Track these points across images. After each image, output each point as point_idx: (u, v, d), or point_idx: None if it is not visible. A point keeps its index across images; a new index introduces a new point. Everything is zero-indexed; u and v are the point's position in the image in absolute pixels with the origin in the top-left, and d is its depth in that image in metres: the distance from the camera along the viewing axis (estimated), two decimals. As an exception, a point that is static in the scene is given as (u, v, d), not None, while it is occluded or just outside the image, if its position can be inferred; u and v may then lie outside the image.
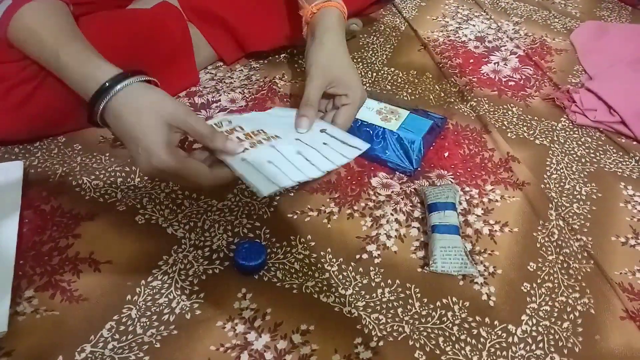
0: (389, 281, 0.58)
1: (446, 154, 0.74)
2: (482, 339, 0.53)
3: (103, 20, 0.70)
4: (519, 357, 0.52)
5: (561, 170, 0.73)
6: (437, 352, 0.52)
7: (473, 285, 0.58)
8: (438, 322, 0.54)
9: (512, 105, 0.84)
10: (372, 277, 0.58)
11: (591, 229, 0.65)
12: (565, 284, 0.59)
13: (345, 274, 0.58)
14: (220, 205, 0.64)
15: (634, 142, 0.79)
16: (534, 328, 0.54)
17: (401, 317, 0.54)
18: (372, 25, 1.02)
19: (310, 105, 0.61)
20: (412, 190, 0.68)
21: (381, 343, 0.52)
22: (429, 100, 0.84)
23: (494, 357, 0.52)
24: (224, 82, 0.84)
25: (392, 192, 0.68)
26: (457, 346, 0.52)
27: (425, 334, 0.53)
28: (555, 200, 0.68)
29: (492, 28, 1.04)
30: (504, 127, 0.80)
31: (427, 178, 0.70)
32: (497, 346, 0.53)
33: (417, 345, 0.52)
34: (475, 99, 0.84)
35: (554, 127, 0.81)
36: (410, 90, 0.86)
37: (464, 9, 1.10)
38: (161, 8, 0.79)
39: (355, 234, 0.62)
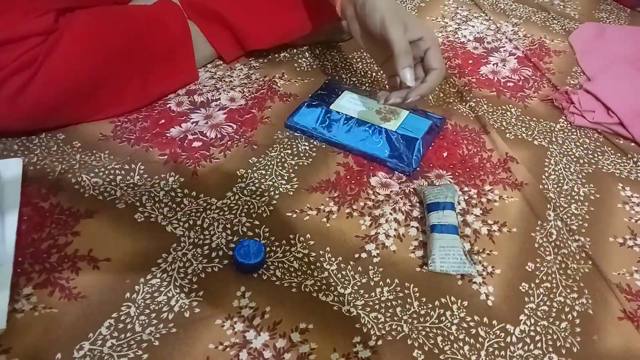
0: (388, 280, 0.58)
1: (445, 154, 0.74)
2: (480, 339, 0.53)
3: (103, 15, 0.70)
4: (517, 357, 0.52)
5: (559, 171, 0.73)
6: (436, 351, 0.52)
7: (472, 285, 0.58)
8: (437, 321, 0.54)
9: (510, 106, 0.85)
10: (371, 276, 0.58)
11: (589, 229, 0.65)
12: (564, 284, 0.59)
13: (344, 273, 0.58)
14: (219, 203, 0.64)
15: (632, 144, 0.80)
16: (532, 328, 0.55)
17: (400, 316, 0.55)
18: (371, 25, 1.02)
19: (408, 52, 0.62)
20: (411, 190, 0.68)
21: (380, 342, 0.52)
22: (428, 101, 0.84)
23: (492, 357, 0.52)
24: (224, 80, 0.84)
25: (391, 191, 0.68)
26: (455, 345, 0.52)
27: (423, 333, 0.53)
28: (554, 201, 0.68)
29: (491, 29, 1.04)
30: (503, 128, 0.80)
31: (426, 178, 0.70)
32: (496, 346, 0.53)
33: (416, 344, 0.52)
34: (474, 100, 0.84)
35: (553, 128, 0.81)
36: (409, 90, 0.86)
37: (463, 9, 1.11)
38: (161, 5, 0.79)
39: (354, 233, 0.63)
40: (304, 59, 0.91)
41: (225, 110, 0.78)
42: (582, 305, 0.57)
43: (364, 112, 0.75)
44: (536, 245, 0.63)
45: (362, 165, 0.71)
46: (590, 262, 0.61)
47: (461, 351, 0.52)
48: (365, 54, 0.93)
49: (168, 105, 0.78)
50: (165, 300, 0.54)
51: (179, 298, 0.55)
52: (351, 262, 0.59)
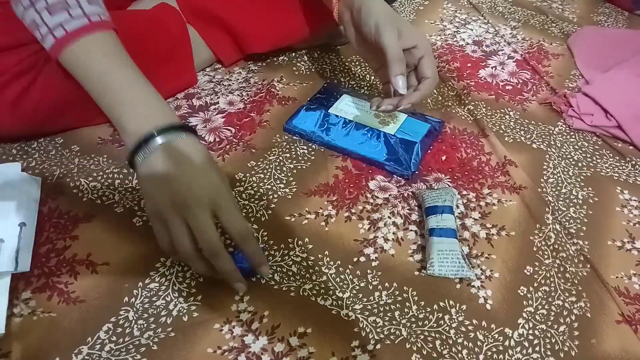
0: (386, 284, 0.58)
1: (444, 158, 0.74)
2: (479, 342, 0.53)
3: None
4: (516, 361, 0.52)
5: (558, 175, 0.73)
6: (434, 355, 0.52)
7: (470, 288, 0.58)
8: (435, 325, 0.54)
9: (509, 109, 0.85)
10: (370, 280, 0.58)
11: (587, 233, 0.65)
12: (562, 287, 0.59)
13: (342, 276, 0.58)
14: (218, 207, 0.64)
15: (631, 147, 0.80)
16: (530, 331, 0.55)
17: (398, 320, 0.55)
18: (370, 29, 1.02)
19: (401, 60, 0.62)
20: (410, 193, 0.68)
21: (378, 346, 0.52)
22: (427, 104, 0.84)
23: (491, 361, 0.52)
24: (222, 84, 0.84)
25: (390, 195, 0.68)
26: (454, 349, 0.52)
27: (422, 337, 0.53)
28: (552, 204, 0.69)
29: (490, 32, 1.05)
30: (501, 131, 0.80)
31: (425, 181, 0.70)
32: (494, 349, 0.53)
33: (414, 348, 0.52)
34: (473, 103, 0.85)
35: (551, 132, 0.81)
36: (408, 94, 0.86)
37: (461, 13, 1.11)
38: (160, 9, 0.79)
39: (352, 237, 0.63)
40: (302, 63, 0.91)
41: (223, 114, 0.78)
42: (580, 309, 0.57)
43: (363, 115, 0.75)
44: (534, 248, 0.63)
45: (360, 168, 0.71)
46: (588, 266, 0.61)
47: (460, 355, 0.52)
48: (363, 58, 0.93)
49: (167, 109, 0.78)
50: (164, 305, 0.54)
51: (177, 302, 0.55)
52: (350, 266, 0.59)
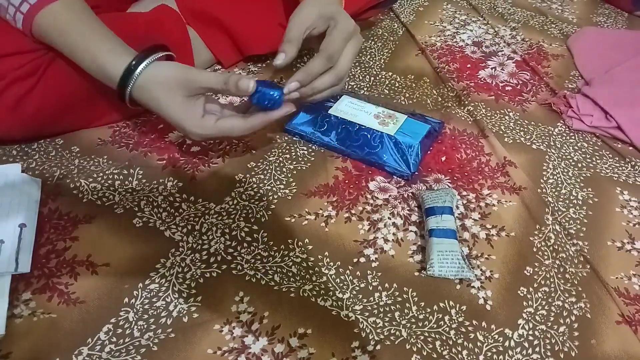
0: (386, 285, 0.58)
1: (443, 158, 0.74)
2: (479, 343, 0.53)
3: (103, 23, 0.70)
4: (516, 361, 0.52)
5: (558, 175, 0.74)
6: (434, 356, 0.52)
7: (470, 289, 0.58)
8: (435, 326, 0.54)
9: (509, 110, 0.85)
10: (370, 281, 0.58)
11: (587, 233, 0.66)
12: (562, 288, 0.59)
13: (342, 277, 0.58)
14: (218, 208, 0.64)
15: (630, 147, 0.80)
16: (530, 332, 0.55)
17: (398, 320, 0.55)
18: (370, 30, 1.02)
19: (288, 42, 0.65)
20: (410, 194, 0.68)
21: (378, 347, 0.52)
22: (427, 105, 0.84)
23: (491, 361, 0.52)
24: (222, 85, 0.84)
25: (390, 196, 0.68)
26: (454, 350, 0.52)
27: (422, 337, 0.53)
28: (552, 205, 0.69)
29: (489, 33, 1.05)
30: (501, 132, 0.80)
31: (425, 182, 0.70)
32: (494, 350, 0.53)
33: (414, 349, 0.52)
34: (473, 104, 0.85)
35: (551, 132, 0.81)
36: (407, 95, 0.86)
37: (461, 14, 1.11)
38: (160, 11, 0.79)
39: (352, 237, 0.63)
40: (302, 64, 0.91)
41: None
42: (580, 309, 0.57)
43: (363, 116, 0.75)
44: (534, 249, 0.63)
45: (360, 169, 0.71)
46: (588, 266, 0.61)
47: (460, 355, 0.52)
48: (363, 59, 0.94)
49: (167, 110, 0.78)
50: (164, 306, 0.54)
51: (177, 303, 0.55)
52: (350, 267, 0.59)
